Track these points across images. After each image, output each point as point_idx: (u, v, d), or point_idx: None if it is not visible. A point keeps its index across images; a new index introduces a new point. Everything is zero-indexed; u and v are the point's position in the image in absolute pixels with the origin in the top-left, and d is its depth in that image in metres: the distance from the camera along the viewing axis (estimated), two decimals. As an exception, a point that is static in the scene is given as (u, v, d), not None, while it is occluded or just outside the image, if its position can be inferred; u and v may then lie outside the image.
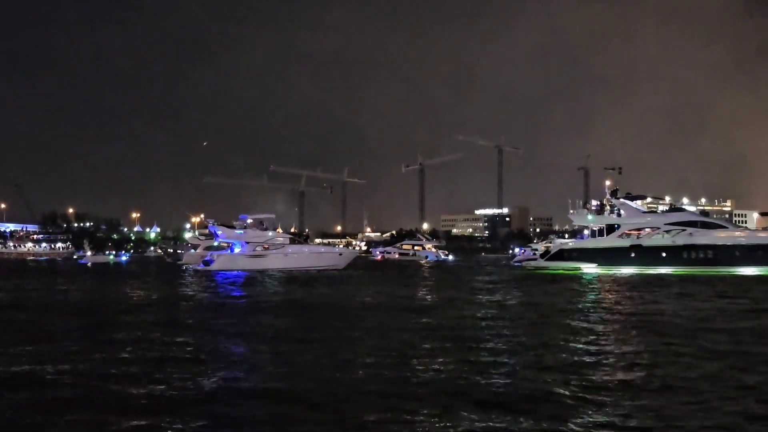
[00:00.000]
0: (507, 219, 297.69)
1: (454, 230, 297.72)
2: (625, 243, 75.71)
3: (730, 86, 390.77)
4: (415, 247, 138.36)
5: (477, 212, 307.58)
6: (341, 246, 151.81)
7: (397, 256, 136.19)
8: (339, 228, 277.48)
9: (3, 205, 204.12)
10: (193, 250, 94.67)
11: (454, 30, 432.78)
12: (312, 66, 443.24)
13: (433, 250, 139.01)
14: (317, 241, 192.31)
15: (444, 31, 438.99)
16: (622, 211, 77.52)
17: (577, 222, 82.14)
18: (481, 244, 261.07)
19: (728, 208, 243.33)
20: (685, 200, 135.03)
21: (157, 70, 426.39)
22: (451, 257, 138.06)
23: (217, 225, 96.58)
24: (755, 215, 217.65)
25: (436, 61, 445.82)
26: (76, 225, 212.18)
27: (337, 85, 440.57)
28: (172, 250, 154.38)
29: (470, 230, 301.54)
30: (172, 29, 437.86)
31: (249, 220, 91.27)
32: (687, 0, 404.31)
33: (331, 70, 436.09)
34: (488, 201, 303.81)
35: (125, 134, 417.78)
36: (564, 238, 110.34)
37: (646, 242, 75.19)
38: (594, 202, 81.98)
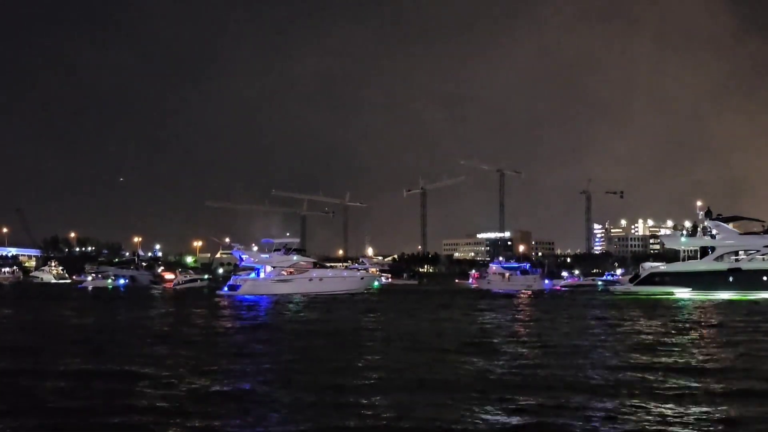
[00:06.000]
0: (509, 243, 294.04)
1: (456, 254, 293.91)
2: (723, 266, 72.41)
3: (728, 107, 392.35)
4: (360, 271, 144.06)
5: (479, 236, 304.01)
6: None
7: None
8: (341, 252, 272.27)
9: (5, 230, 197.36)
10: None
11: (447, 51, 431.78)
12: (304, 89, 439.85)
13: (377, 273, 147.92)
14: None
15: (436, 53, 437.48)
16: (716, 233, 74.28)
17: (669, 244, 79.04)
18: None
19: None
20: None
21: (150, 95, 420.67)
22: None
23: (242, 249, 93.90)
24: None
25: (429, 84, 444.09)
26: (77, 249, 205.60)
27: (330, 108, 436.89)
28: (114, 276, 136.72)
29: (472, 254, 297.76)
30: (166, 54, 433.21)
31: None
32: (682, 21, 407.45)
33: (325, 94, 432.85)
34: (489, 225, 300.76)
35: (123, 160, 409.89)
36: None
37: (745, 265, 71.93)
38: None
